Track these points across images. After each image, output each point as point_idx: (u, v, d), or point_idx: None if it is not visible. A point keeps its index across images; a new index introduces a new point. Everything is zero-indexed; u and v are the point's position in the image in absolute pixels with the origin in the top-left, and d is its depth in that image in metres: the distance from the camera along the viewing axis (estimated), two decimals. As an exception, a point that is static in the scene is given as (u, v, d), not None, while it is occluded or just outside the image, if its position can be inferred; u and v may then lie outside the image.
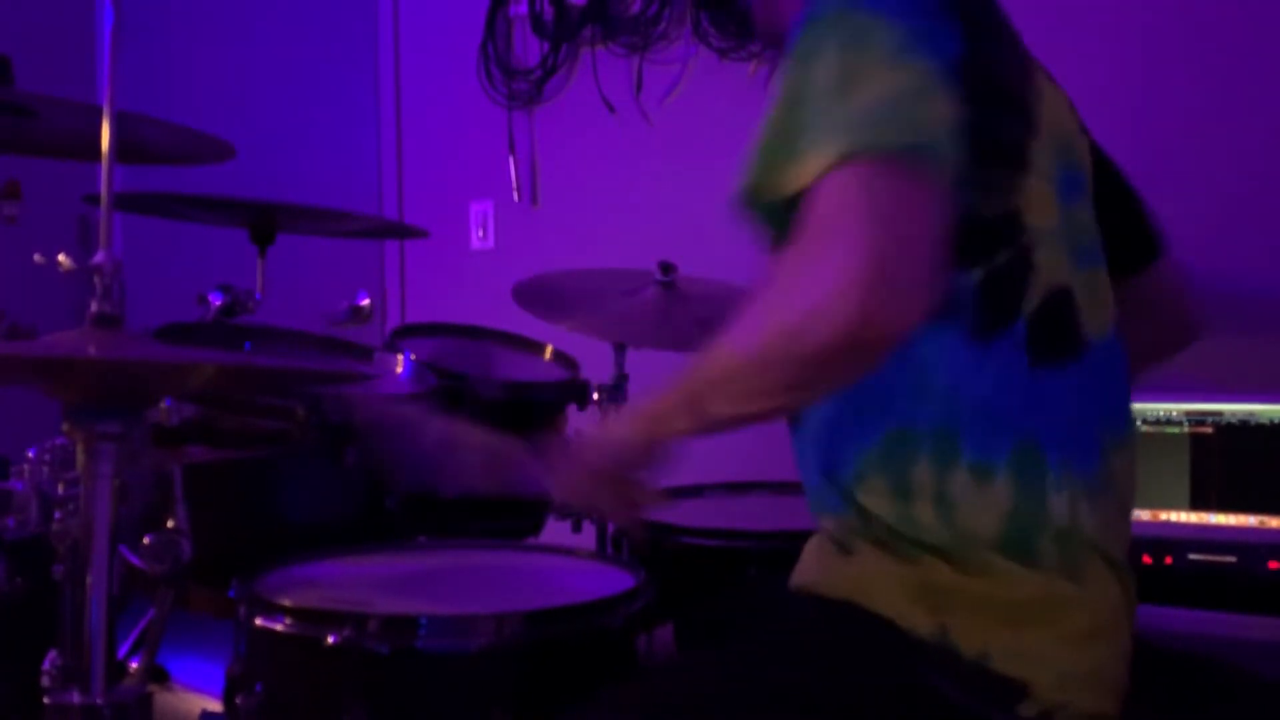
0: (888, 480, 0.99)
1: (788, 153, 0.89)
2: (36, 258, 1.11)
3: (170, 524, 1.19)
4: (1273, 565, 1.55)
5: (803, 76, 0.91)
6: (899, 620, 0.97)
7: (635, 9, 2.77)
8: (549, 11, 2.93)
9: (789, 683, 0.96)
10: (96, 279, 0.98)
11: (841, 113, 0.87)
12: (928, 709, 0.95)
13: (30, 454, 1.08)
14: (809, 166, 0.86)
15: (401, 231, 3.04)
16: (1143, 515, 1.65)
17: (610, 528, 1.80)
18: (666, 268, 1.85)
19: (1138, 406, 1.42)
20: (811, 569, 1.09)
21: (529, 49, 3.02)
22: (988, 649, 0.94)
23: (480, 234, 3.16)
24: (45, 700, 0.95)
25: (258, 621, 1.16)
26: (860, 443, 1.01)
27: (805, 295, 0.84)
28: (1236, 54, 1.98)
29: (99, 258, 0.99)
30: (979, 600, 0.96)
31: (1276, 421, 1.68)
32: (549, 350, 1.96)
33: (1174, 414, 1.68)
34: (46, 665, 1.03)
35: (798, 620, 1.06)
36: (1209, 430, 1.71)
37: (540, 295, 1.87)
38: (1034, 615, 0.95)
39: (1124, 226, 1.19)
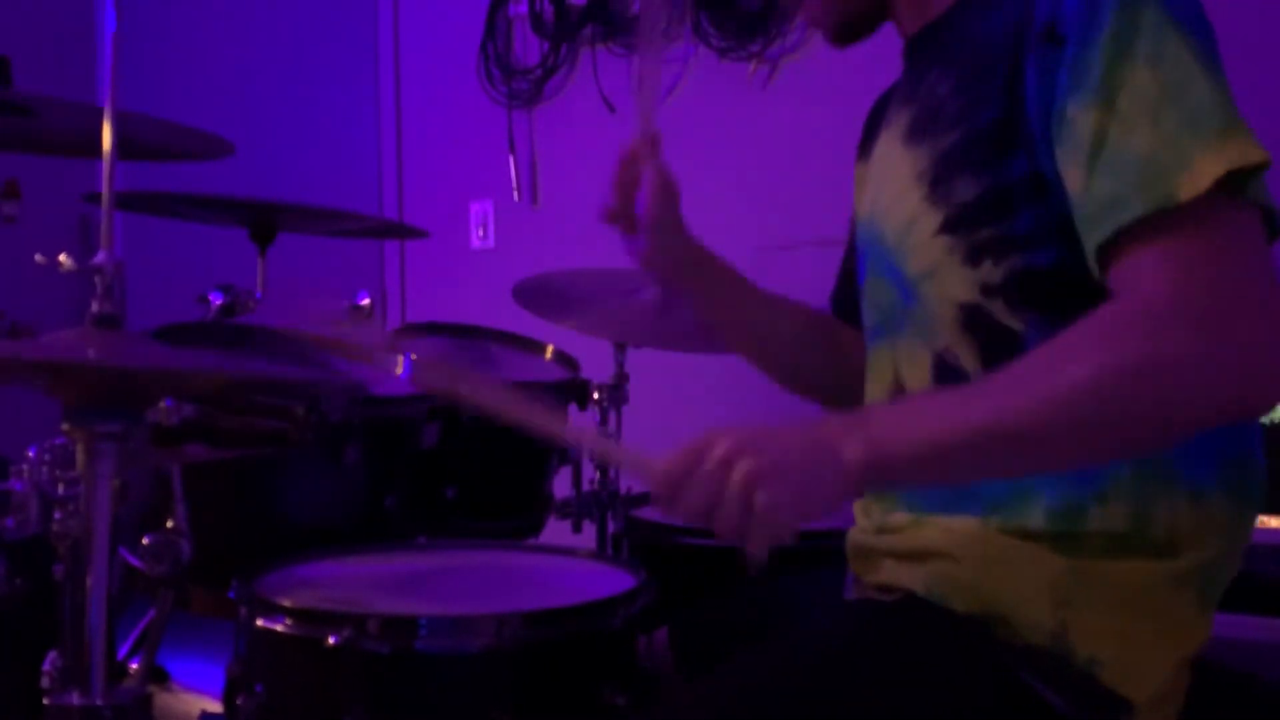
0: (1143, 466, 0.92)
1: (1179, 159, 0.82)
2: (37, 258, 1.10)
3: (170, 524, 1.19)
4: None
5: (1174, 70, 0.84)
6: (1011, 613, 0.92)
7: (635, 8, 2.77)
8: (549, 11, 2.93)
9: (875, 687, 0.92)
10: (97, 279, 0.98)
11: (1221, 118, 0.83)
12: (1025, 714, 0.92)
13: (30, 454, 1.08)
14: (1202, 177, 0.81)
15: (401, 231, 3.04)
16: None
17: (610, 528, 1.79)
18: (667, 267, 1.84)
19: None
20: (907, 568, 1.01)
21: (529, 48, 3.02)
22: (1098, 657, 0.91)
23: (480, 234, 3.16)
24: (45, 701, 0.95)
25: (258, 622, 1.16)
26: None
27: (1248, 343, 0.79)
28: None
29: (99, 258, 0.98)
30: (1121, 607, 0.92)
31: (1277, 421, 1.67)
32: (549, 350, 1.96)
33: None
34: (46, 666, 1.04)
35: (857, 619, 1.03)
36: (1209, 430, 1.70)
37: (540, 295, 1.87)
38: (1166, 635, 0.93)
39: None
